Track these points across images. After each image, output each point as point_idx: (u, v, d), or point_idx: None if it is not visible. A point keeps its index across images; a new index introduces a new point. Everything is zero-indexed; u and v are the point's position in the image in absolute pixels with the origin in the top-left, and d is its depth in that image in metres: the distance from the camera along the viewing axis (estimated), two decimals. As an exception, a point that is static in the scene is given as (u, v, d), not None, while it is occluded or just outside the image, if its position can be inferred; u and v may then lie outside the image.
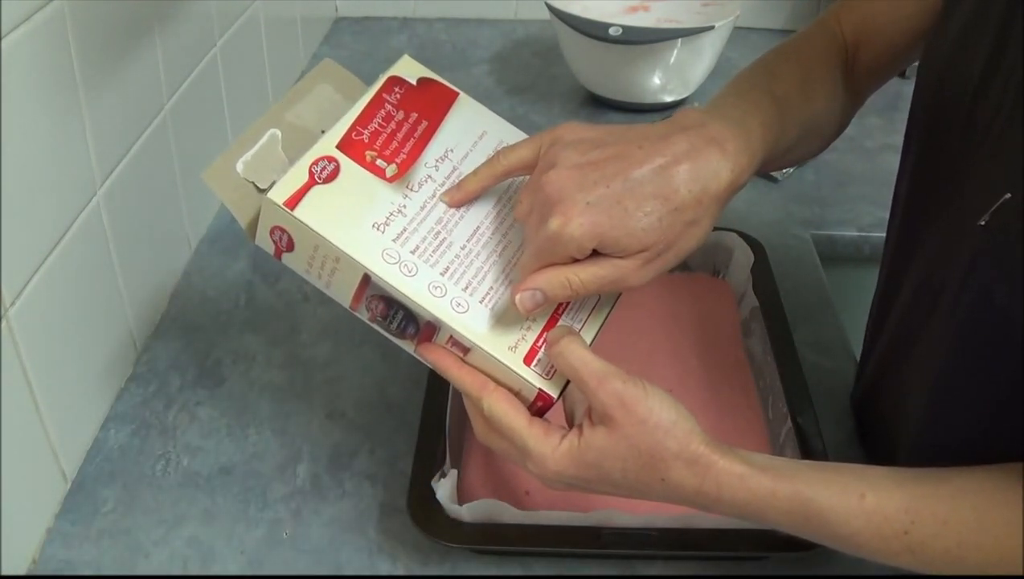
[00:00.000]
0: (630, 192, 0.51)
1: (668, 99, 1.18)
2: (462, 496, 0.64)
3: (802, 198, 1.02)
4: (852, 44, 0.67)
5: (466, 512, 0.61)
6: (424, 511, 0.62)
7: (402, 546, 0.65)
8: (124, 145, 0.75)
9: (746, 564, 0.64)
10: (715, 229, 0.84)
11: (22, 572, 0.63)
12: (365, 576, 0.63)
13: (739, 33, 1.17)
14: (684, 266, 0.86)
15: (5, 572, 0.60)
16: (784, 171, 1.05)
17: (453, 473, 0.62)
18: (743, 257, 0.82)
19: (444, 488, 0.61)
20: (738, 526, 0.60)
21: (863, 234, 0.98)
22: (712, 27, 1.09)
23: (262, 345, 0.81)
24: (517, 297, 0.53)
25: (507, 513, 0.61)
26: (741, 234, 0.84)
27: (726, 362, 0.77)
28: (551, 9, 1.14)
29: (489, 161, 0.57)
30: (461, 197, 0.57)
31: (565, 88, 1.25)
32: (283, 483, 0.69)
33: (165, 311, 0.85)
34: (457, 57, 1.33)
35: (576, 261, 0.52)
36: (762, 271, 0.81)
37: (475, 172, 0.57)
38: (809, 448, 0.65)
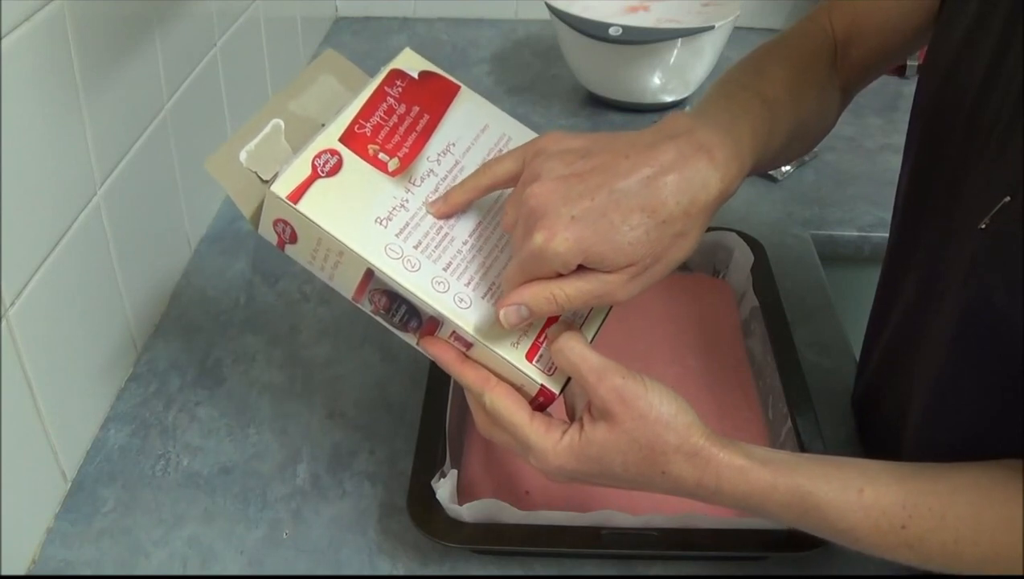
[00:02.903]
0: (616, 205, 0.49)
1: (668, 99, 1.18)
2: (462, 496, 0.64)
3: (802, 198, 1.02)
4: (843, 42, 0.66)
5: (466, 512, 0.61)
6: (424, 511, 0.62)
7: (402, 546, 0.65)
8: (124, 145, 0.75)
9: (746, 564, 0.64)
10: (715, 229, 0.86)
11: (22, 572, 0.63)
12: (365, 576, 0.63)
13: (739, 33, 1.17)
14: (684, 266, 0.86)
15: (5, 572, 0.60)
16: (784, 171, 1.05)
17: (453, 473, 0.62)
18: (743, 257, 0.82)
19: (444, 488, 0.61)
20: (738, 526, 0.61)
21: (863, 234, 0.98)
22: (712, 27, 1.09)
23: (262, 345, 0.81)
24: (501, 312, 0.52)
25: (507, 513, 0.61)
26: (741, 234, 0.84)
27: (726, 362, 0.77)
28: (551, 9, 1.14)
29: (475, 173, 0.56)
30: (447, 209, 0.56)
31: (565, 88, 1.25)
32: (283, 483, 0.69)
33: (165, 311, 0.85)
34: (457, 57, 1.33)
35: (561, 275, 0.51)
36: (762, 271, 0.81)
37: (461, 184, 0.56)
38: (809, 448, 0.65)
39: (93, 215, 0.70)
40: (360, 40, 1.37)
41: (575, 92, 1.24)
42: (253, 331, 0.83)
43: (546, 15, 1.16)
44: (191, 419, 0.74)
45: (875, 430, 0.70)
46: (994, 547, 0.47)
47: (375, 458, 0.71)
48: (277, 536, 0.65)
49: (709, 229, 0.86)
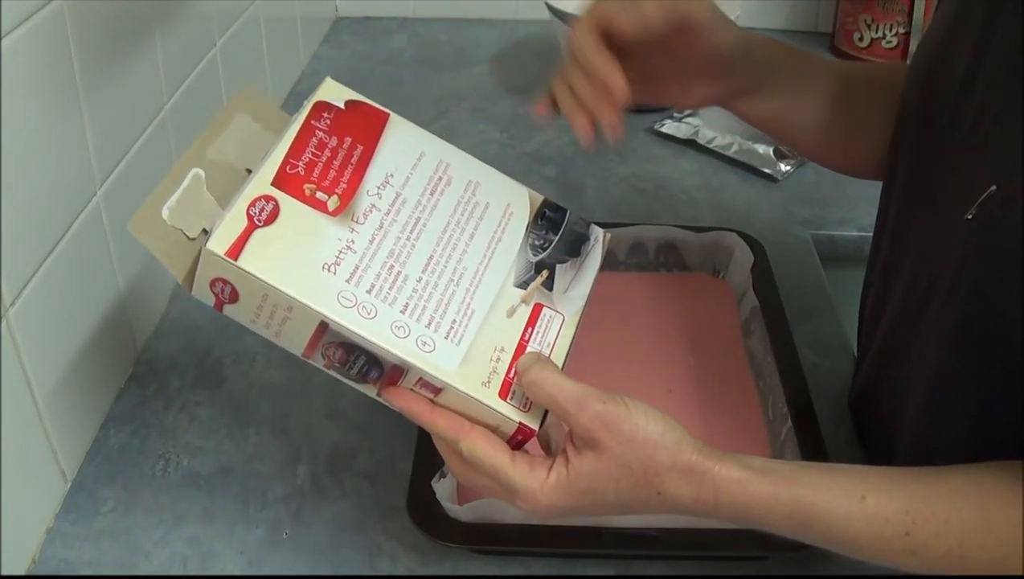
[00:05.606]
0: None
1: (668, 99, 1.17)
2: (462, 496, 0.64)
3: (802, 198, 1.02)
4: None
5: (466, 512, 0.61)
6: (424, 511, 0.62)
7: (402, 546, 0.65)
8: (124, 145, 0.75)
9: (746, 564, 0.64)
10: (715, 229, 0.86)
11: (22, 572, 0.63)
12: (365, 576, 0.63)
13: (739, 33, 1.16)
14: (684, 266, 0.86)
15: (5, 572, 0.60)
16: (784, 171, 1.05)
17: (453, 473, 0.62)
18: (743, 257, 0.82)
19: (444, 488, 0.61)
20: (738, 526, 0.61)
21: (863, 234, 0.98)
22: (712, 27, 1.09)
23: (262, 345, 0.81)
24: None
25: (507, 513, 0.61)
26: (741, 234, 0.84)
27: (726, 362, 0.77)
28: (551, 9, 1.14)
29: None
30: None
31: (565, 88, 1.24)
32: (283, 483, 0.69)
33: (165, 311, 0.85)
34: (457, 57, 1.33)
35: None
36: (762, 271, 0.81)
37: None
38: (809, 448, 0.65)
39: (93, 215, 0.70)
40: (360, 40, 1.37)
41: (575, 92, 1.23)
42: (253, 331, 0.83)
43: (546, 15, 1.16)
44: (191, 419, 0.74)
45: (873, 430, 0.70)
46: (1001, 549, 0.46)
47: (375, 458, 0.71)
48: (277, 536, 0.65)
49: (709, 229, 0.87)
